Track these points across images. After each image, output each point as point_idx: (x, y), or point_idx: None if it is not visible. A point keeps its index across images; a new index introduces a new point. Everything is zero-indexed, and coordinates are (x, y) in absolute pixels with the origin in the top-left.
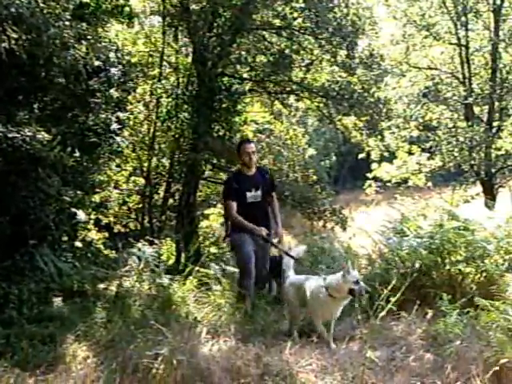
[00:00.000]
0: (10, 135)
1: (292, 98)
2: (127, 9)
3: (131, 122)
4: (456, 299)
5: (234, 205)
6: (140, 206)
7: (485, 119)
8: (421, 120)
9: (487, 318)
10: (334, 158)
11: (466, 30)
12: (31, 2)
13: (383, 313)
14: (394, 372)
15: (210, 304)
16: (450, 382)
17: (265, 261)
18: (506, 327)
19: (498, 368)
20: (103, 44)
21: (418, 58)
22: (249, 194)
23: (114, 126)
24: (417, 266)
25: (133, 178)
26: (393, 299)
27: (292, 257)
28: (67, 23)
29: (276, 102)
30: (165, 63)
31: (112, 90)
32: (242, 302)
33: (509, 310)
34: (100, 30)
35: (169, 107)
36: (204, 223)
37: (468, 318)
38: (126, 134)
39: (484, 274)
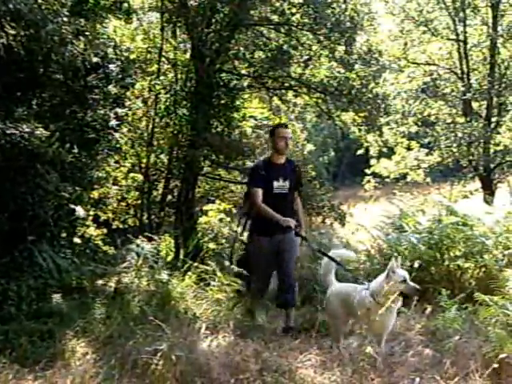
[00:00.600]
0: (8, 131)
1: (290, 94)
2: (125, 5)
3: (130, 118)
4: (455, 294)
5: (260, 192)
6: (139, 202)
7: (483, 115)
8: (419, 116)
9: (486, 313)
10: (332, 153)
11: (465, 25)
12: None
13: (383, 309)
14: (393, 367)
15: (208, 300)
16: (448, 377)
17: (290, 269)
18: (505, 322)
19: (496, 363)
20: (101, 40)
21: (417, 53)
22: (276, 184)
23: (113, 123)
24: (416, 265)
25: (131, 175)
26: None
27: (335, 260)
28: (65, 19)
29: (274, 98)
30: (163, 59)
31: (110, 86)
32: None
33: (508, 305)
34: (98, 26)
35: (167, 103)
36: (203, 219)
37: (467, 314)
38: (124, 130)
39: (483, 270)
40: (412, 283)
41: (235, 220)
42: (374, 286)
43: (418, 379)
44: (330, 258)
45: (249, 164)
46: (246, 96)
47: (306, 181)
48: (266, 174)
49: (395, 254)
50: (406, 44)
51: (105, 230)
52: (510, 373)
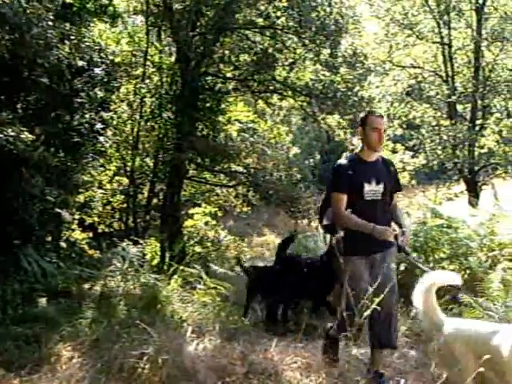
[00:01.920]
0: None
1: (275, 97)
2: (111, 8)
3: (115, 122)
4: (440, 296)
5: (345, 199)
6: (124, 205)
7: (468, 117)
8: (404, 118)
9: (471, 315)
10: (318, 156)
11: (449, 28)
12: (14, 2)
13: (368, 312)
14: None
15: (194, 303)
16: (433, 378)
17: (393, 299)
18: None
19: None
20: (87, 44)
21: (401, 56)
22: (367, 187)
23: (98, 126)
24: (402, 268)
25: (117, 178)
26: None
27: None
28: (50, 23)
29: (260, 101)
30: (148, 63)
31: (96, 90)
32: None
33: (492, 306)
34: (83, 29)
35: (152, 107)
36: (188, 223)
37: (452, 315)
38: (109, 133)
39: (467, 272)
40: None
41: (219, 224)
42: None
43: (403, 381)
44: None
45: (235, 168)
46: (231, 99)
47: (291, 183)
48: (353, 174)
49: None
50: (391, 47)
51: (90, 234)
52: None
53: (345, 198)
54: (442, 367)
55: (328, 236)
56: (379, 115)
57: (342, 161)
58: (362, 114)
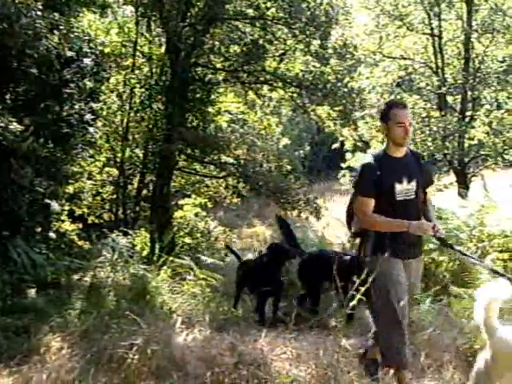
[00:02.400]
0: None
1: (265, 88)
2: None
3: (104, 113)
4: (429, 287)
5: (372, 203)
6: (114, 196)
7: (458, 109)
8: None
9: (460, 306)
10: (308, 147)
11: (439, 20)
12: None
13: (354, 302)
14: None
15: (184, 294)
16: (423, 369)
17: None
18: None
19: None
20: (76, 34)
21: (392, 47)
22: (398, 187)
23: (88, 117)
24: None
25: (106, 169)
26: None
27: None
28: (39, 13)
29: (249, 92)
30: (138, 53)
31: (85, 81)
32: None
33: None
34: (72, 19)
35: (142, 97)
36: (178, 214)
37: (441, 306)
38: (99, 124)
39: (457, 263)
40: None
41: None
42: None
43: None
44: (497, 272)
45: (225, 159)
46: (221, 90)
47: (281, 175)
48: (382, 174)
49: None
50: (381, 38)
51: (80, 225)
52: None
53: (372, 202)
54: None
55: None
56: (403, 106)
57: (368, 159)
58: (383, 106)
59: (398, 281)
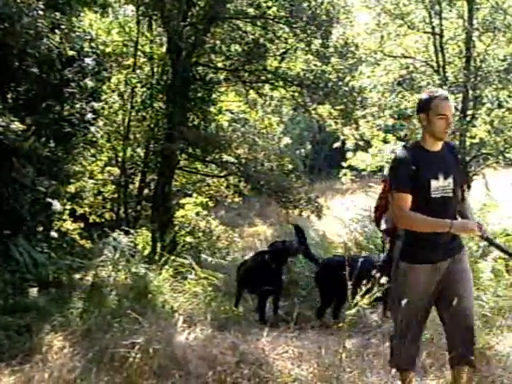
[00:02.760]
0: None
1: (267, 87)
2: None
3: (106, 112)
4: None
5: (409, 199)
6: (115, 196)
7: (459, 107)
8: (395, 108)
9: None
10: (309, 146)
11: (440, 18)
12: None
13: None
14: (370, 359)
15: (186, 293)
16: (425, 368)
17: (470, 310)
18: (479, 313)
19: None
20: (77, 34)
21: (393, 46)
22: (434, 184)
23: (89, 116)
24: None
25: (108, 168)
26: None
27: None
28: (41, 12)
29: (251, 91)
30: (139, 53)
31: (86, 80)
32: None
33: (482, 296)
34: (74, 19)
35: (143, 97)
36: (179, 213)
37: None
38: (100, 123)
39: None
40: None
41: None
42: None
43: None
44: None
45: (226, 158)
46: (222, 89)
47: (282, 174)
48: (417, 169)
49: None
50: (382, 37)
51: (81, 224)
52: (485, 363)
53: (409, 197)
54: None
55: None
56: (445, 97)
57: (402, 152)
58: (423, 96)
59: (422, 290)
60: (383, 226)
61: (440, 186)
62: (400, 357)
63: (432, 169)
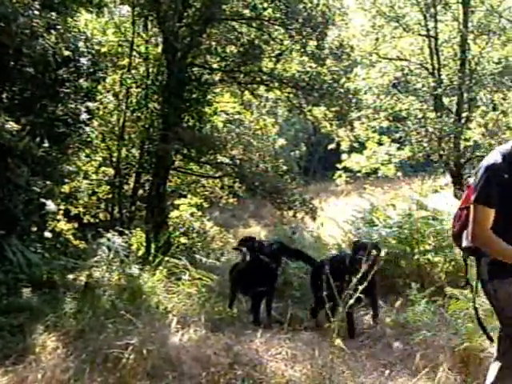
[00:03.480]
0: None
1: (262, 89)
2: None
3: (101, 112)
4: (425, 288)
5: (492, 214)
6: (110, 196)
7: (454, 110)
8: (390, 111)
9: (455, 307)
10: (304, 148)
11: (435, 21)
12: None
13: (351, 301)
14: (363, 360)
15: (179, 294)
16: (417, 369)
17: None
18: (473, 316)
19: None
20: (72, 34)
21: (388, 48)
22: None
23: (84, 116)
24: (382, 254)
25: (102, 169)
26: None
27: None
28: (36, 12)
29: (246, 93)
30: (134, 53)
31: (81, 80)
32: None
33: (476, 298)
34: (69, 19)
35: (138, 97)
36: (174, 213)
37: (436, 307)
38: (95, 124)
39: (452, 263)
40: None
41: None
42: None
43: (387, 372)
44: None
45: (221, 159)
46: (217, 90)
47: (277, 175)
48: (510, 179)
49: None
50: (377, 39)
51: (75, 225)
52: (478, 365)
53: (492, 213)
54: None
55: None
56: None
57: (494, 157)
58: None
59: None
60: (465, 243)
61: None
62: None
63: None
